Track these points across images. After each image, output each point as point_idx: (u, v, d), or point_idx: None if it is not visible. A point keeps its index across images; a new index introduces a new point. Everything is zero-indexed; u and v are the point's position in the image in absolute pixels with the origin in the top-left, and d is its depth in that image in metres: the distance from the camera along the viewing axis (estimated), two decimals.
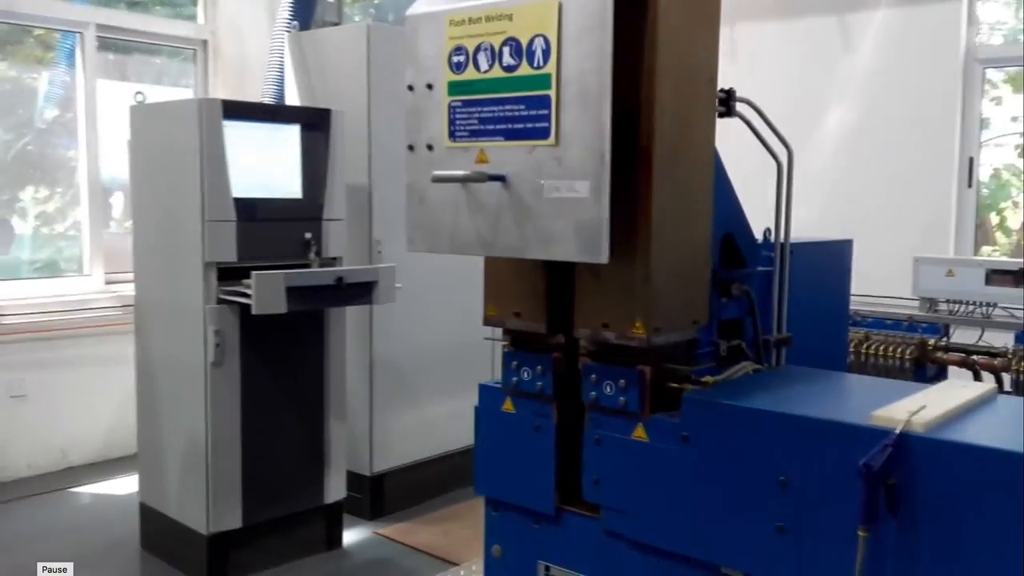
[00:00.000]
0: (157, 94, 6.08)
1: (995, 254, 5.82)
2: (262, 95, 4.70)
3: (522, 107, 2.03)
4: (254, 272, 3.49)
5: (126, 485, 4.91)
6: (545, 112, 1.99)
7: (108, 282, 5.58)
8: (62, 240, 5.87)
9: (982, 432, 1.84)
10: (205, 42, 6.06)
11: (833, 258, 3.13)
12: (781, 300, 2.58)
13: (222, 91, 5.97)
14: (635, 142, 2.07)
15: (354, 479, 4.39)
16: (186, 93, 6.18)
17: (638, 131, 2.07)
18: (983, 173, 5.80)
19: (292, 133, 3.93)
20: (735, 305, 2.45)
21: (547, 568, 2.41)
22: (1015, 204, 6.03)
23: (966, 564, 1.75)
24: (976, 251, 5.72)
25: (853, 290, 3.22)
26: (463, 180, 2.10)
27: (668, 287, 2.13)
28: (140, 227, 4.11)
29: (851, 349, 4.30)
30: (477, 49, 2.09)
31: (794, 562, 1.96)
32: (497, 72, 2.07)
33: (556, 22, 1.95)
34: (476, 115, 2.11)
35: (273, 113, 4.12)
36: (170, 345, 3.92)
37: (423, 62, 2.19)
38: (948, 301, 4.39)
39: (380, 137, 4.32)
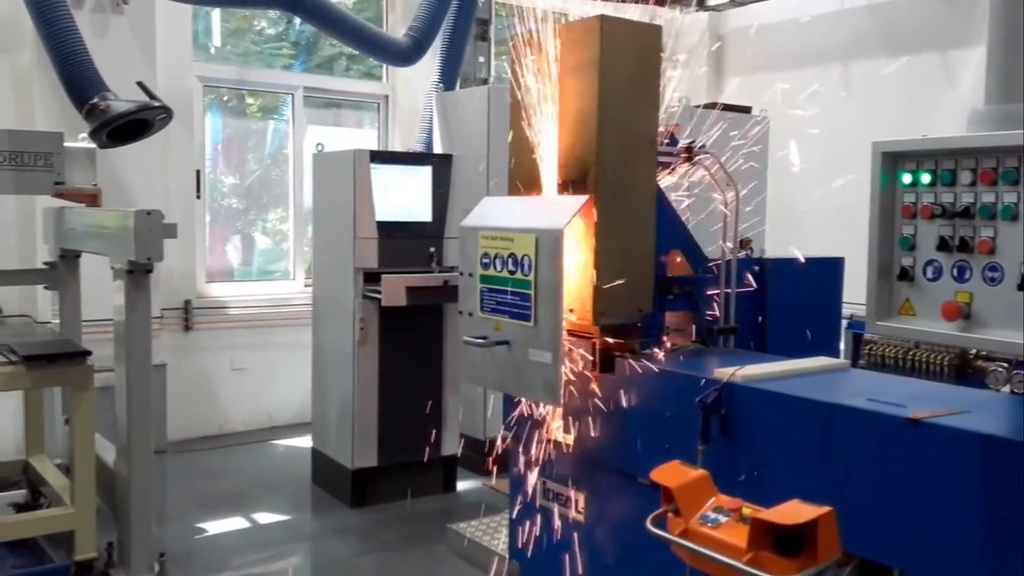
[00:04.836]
0: (348, 136, 7.64)
1: None
2: (416, 141, 6.05)
3: (518, 299, 3.02)
4: (383, 275, 4.79)
5: (310, 441, 6.32)
6: (528, 304, 2.96)
7: (306, 285, 7.14)
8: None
9: (782, 384, 2.71)
10: (387, 97, 7.55)
11: (815, 273, 3.91)
12: (728, 300, 3.47)
13: (398, 134, 7.42)
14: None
15: (471, 442, 5.56)
16: (371, 134, 7.69)
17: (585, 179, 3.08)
18: None
19: (424, 172, 5.21)
20: (682, 301, 3.38)
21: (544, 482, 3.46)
22: None
23: (767, 469, 2.62)
24: None
25: None
26: (482, 346, 3.12)
27: (612, 286, 3.12)
28: (317, 243, 5.55)
29: (901, 355, 4.93)
30: (495, 256, 3.11)
31: None
32: (505, 273, 3.06)
33: (534, 249, 2.95)
34: (495, 298, 3.12)
35: (409, 158, 5.43)
36: (333, 331, 5.30)
37: (468, 257, 3.22)
38: None
39: (496, 172, 5.51)
